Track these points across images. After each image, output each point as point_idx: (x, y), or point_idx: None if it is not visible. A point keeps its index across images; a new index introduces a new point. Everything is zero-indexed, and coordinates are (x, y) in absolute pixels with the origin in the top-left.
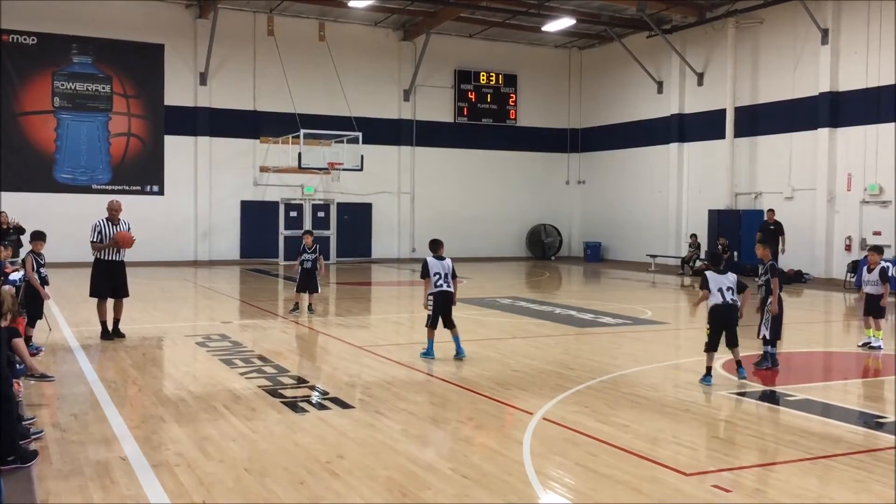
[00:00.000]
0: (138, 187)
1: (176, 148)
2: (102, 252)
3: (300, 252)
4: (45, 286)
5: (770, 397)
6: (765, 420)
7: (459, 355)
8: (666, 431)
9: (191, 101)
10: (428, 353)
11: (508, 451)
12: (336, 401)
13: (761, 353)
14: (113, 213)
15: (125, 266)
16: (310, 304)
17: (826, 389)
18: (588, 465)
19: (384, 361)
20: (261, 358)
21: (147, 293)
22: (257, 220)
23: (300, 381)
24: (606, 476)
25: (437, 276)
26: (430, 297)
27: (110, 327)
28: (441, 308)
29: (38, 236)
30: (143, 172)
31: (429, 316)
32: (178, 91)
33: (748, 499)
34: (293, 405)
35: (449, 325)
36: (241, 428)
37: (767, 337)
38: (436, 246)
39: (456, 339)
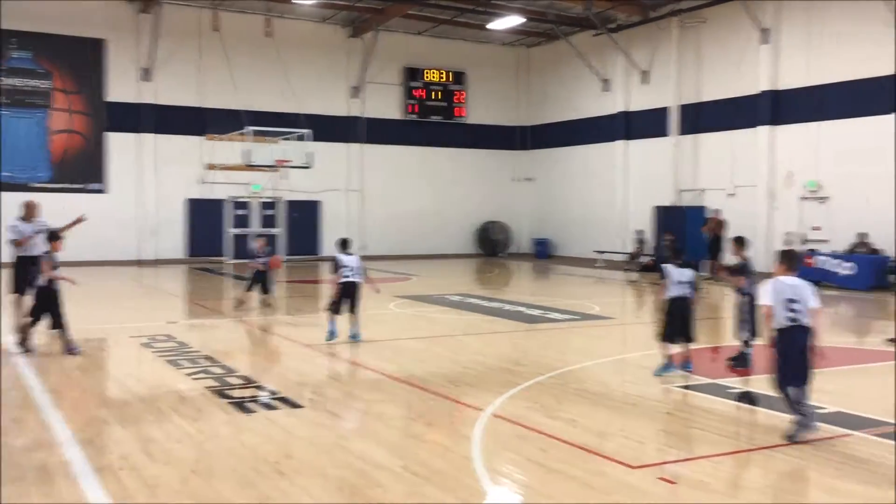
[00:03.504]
0: (80, 185)
1: (119, 145)
2: (21, 250)
3: (256, 255)
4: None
5: (714, 390)
6: (709, 412)
7: (356, 339)
8: (613, 425)
9: (134, 98)
10: (330, 337)
11: (458, 448)
12: (285, 400)
13: (738, 352)
14: (30, 213)
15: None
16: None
17: (768, 381)
18: (537, 460)
19: (334, 360)
20: (208, 358)
21: (90, 293)
22: (204, 218)
23: (248, 381)
24: (555, 471)
25: (346, 269)
26: (338, 286)
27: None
28: (347, 296)
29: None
30: (85, 170)
31: (332, 302)
32: (121, 87)
33: (693, 490)
34: (241, 405)
35: (353, 312)
36: (187, 429)
37: (749, 341)
38: (344, 244)
39: (356, 325)
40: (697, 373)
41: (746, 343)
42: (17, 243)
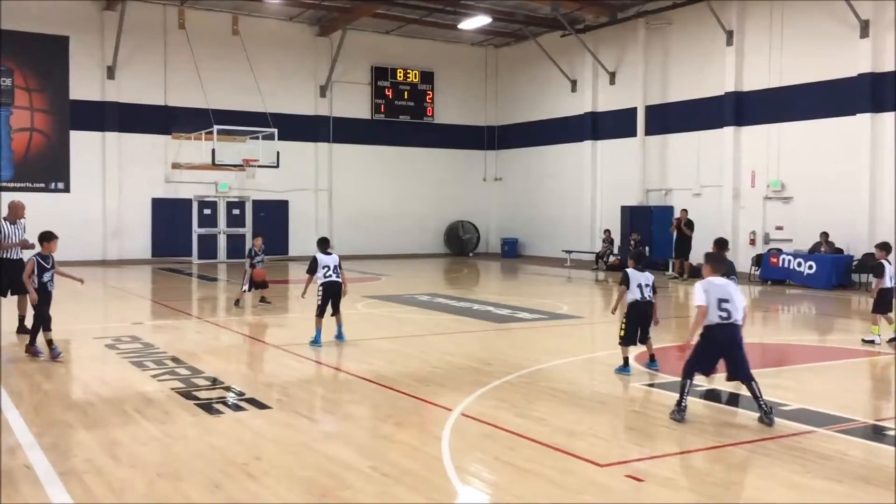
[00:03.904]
0: (42, 184)
1: (82, 144)
2: (5, 252)
3: (253, 254)
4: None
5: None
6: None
7: (340, 339)
8: (582, 424)
9: (98, 96)
10: (316, 342)
11: (428, 448)
12: (253, 401)
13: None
14: (14, 213)
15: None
16: (263, 297)
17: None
18: (506, 459)
19: (302, 360)
20: (174, 359)
21: (53, 294)
22: (170, 217)
23: (215, 382)
24: (524, 469)
25: (326, 269)
26: (320, 288)
27: (16, 325)
28: (330, 297)
29: (48, 237)
30: (48, 169)
31: (318, 306)
32: (85, 85)
33: (660, 487)
34: (208, 407)
35: (336, 312)
36: (153, 431)
37: None
38: (324, 243)
39: (340, 325)
40: (664, 371)
41: None
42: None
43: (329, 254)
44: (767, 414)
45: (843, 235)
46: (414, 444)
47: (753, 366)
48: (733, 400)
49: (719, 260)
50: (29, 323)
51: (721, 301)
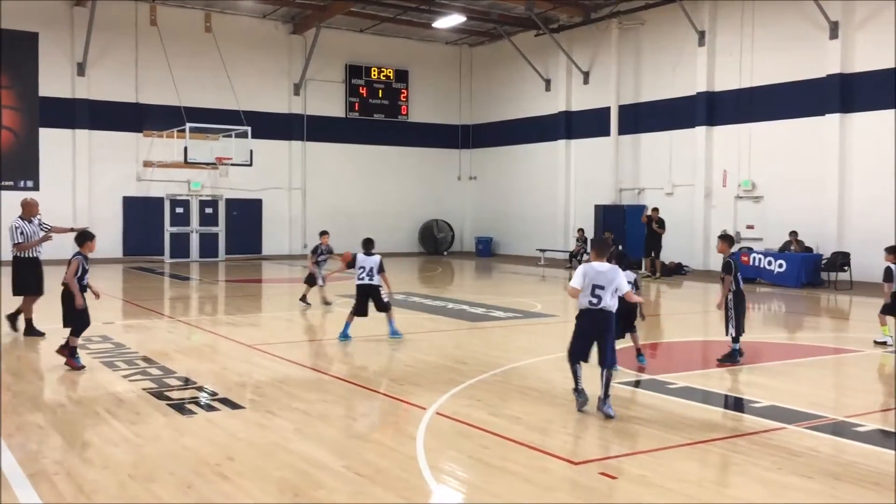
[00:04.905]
0: (11, 182)
1: (52, 141)
2: (23, 251)
3: (319, 252)
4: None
5: (652, 386)
6: (648, 408)
7: (395, 336)
8: (555, 422)
9: (68, 93)
10: (343, 336)
11: (402, 447)
12: (225, 401)
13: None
14: (28, 212)
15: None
16: (305, 297)
17: (705, 377)
18: (481, 457)
19: (275, 360)
20: (145, 359)
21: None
22: (141, 216)
23: (187, 383)
24: (498, 468)
25: (362, 270)
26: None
27: (23, 324)
28: (366, 298)
29: (88, 237)
30: (17, 166)
31: (355, 305)
32: (55, 82)
33: (633, 484)
34: (180, 407)
35: (381, 310)
36: (124, 432)
37: (734, 335)
38: (368, 244)
39: (391, 322)
40: (635, 368)
41: (733, 339)
42: (21, 247)
43: (371, 255)
44: (604, 402)
45: (812, 235)
46: (388, 444)
47: (728, 364)
48: (706, 398)
49: (604, 246)
50: (38, 325)
51: (595, 287)
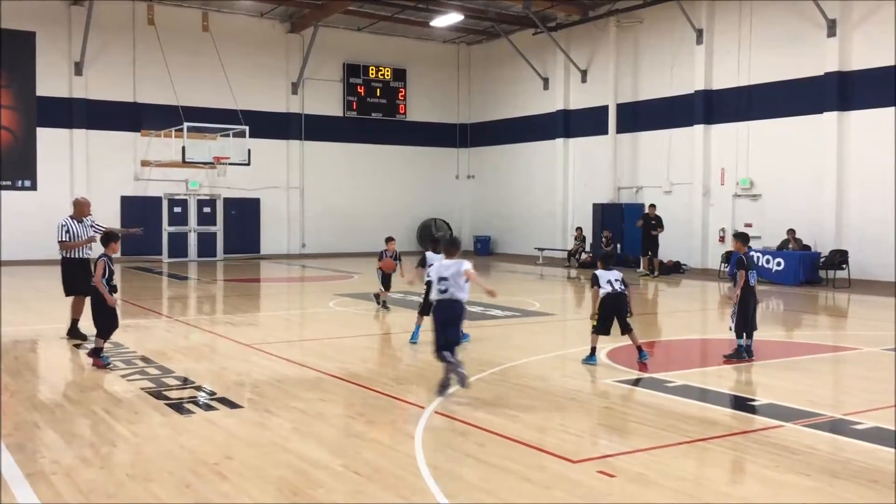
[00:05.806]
0: (8, 182)
1: (50, 141)
2: (70, 251)
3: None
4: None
5: (651, 384)
6: (646, 406)
7: (464, 339)
8: (553, 420)
9: (66, 92)
10: (413, 339)
11: (400, 446)
12: (224, 401)
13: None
14: (80, 212)
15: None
16: (384, 301)
17: (703, 375)
18: (479, 456)
19: (274, 359)
20: (143, 359)
21: (21, 293)
22: (139, 215)
23: (186, 382)
24: (496, 466)
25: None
26: (425, 287)
27: (67, 327)
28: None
29: (113, 238)
30: (14, 166)
31: (420, 304)
32: (52, 81)
33: (631, 483)
34: (178, 407)
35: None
36: (122, 432)
37: (732, 328)
38: (449, 244)
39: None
40: (632, 366)
41: (737, 334)
42: (65, 245)
43: (439, 253)
44: (442, 389)
45: (810, 233)
46: (386, 443)
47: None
48: (704, 396)
49: (450, 244)
50: (83, 327)
51: (441, 279)
